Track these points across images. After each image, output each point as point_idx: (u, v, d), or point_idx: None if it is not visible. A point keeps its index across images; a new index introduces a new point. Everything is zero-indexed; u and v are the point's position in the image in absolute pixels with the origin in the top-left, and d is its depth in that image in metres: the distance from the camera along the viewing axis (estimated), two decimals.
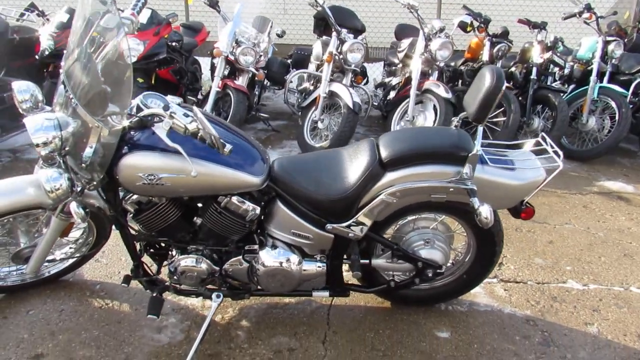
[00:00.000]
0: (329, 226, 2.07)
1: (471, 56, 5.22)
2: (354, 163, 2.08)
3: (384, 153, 2.04)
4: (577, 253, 3.05)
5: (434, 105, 4.62)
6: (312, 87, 5.14)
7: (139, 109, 1.87)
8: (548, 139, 2.13)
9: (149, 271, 2.26)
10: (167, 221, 2.04)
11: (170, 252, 2.21)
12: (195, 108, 1.66)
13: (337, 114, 4.67)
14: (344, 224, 2.06)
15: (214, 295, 2.18)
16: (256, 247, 2.16)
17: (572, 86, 5.14)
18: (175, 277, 2.18)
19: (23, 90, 1.99)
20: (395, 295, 2.43)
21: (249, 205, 2.03)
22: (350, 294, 2.34)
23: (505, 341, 2.27)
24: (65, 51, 1.96)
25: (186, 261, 2.13)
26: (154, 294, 2.17)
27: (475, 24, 4.80)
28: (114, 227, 2.20)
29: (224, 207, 2.02)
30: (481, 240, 2.26)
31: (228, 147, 1.73)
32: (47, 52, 4.56)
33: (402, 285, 2.30)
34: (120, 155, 1.83)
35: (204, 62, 6.18)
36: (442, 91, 4.50)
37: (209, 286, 2.25)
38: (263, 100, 6.05)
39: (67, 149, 1.88)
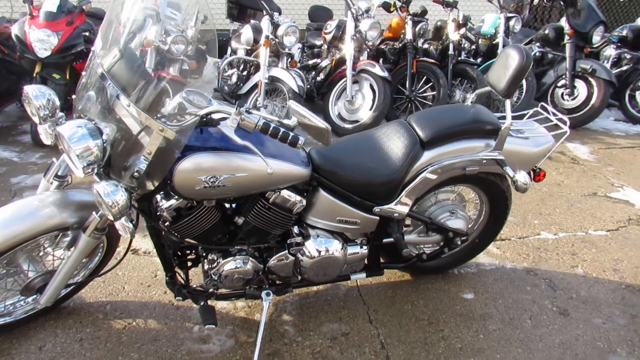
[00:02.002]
0: (376, 209, 2.11)
1: (392, 35, 5.47)
2: (394, 145, 2.14)
3: (422, 133, 2.13)
4: (536, 208, 3.45)
5: (370, 85, 4.79)
6: (244, 73, 5.00)
7: (181, 108, 1.73)
8: (549, 108, 2.39)
9: (181, 280, 2.12)
10: (209, 224, 1.93)
11: (204, 257, 2.10)
12: (291, 101, 1.59)
13: (279, 99, 4.63)
14: (390, 205, 2.12)
15: (263, 294, 2.11)
16: (299, 239, 2.13)
17: (479, 60, 5.64)
18: (217, 282, 2.07)
19: (38, 95, 1.74)
20: (416, 267, 2.56)
21: (296, 198, 1.99)
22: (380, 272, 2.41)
23: (520, 292, 2.52)
24: (93, 49, 1.73)
25: (231, 264, 2.03)
26: (201, 303, 2.05)
27: (398, 4, 5.02)
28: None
29: (273, 202, 1.96)
30: (495, 205, 2.46)
31: (302, 140, 1.69)
32: None
33: (433, 256, 2.44)
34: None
35: None
36: (378, 70, 4.67)
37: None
38: None
39: (106, 157, 1.70)
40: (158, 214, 1.88)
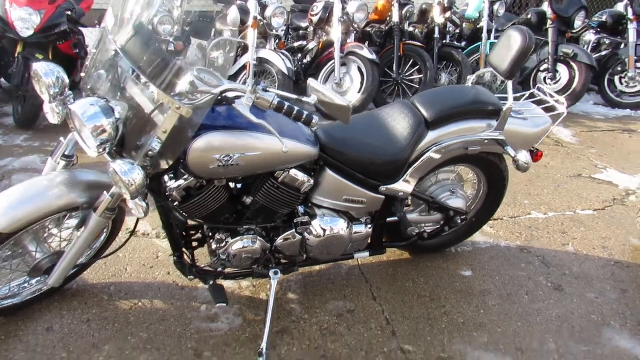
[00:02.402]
0: (382, 188, 2.14)
1: (378, 18, 5.47)
2: (399, 125, 2.16)
3: (427, 114, 2.16)
4: (525, 189, 3.54)
5: (358, 67, 4.81)
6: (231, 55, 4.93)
7: (193, 86, 1.72)
8: (546, 90, 2.44)
9: (188, 260, 2.12)
10: (217, 204, 1.93)
11: (211, 238, 2.11)
12: (310, 79, 1.60)
13: (268, 81, 4.60)
14: (396, 184, 2.16)
15: (271, 273, 2.13)
16: (306, 219, 2.14)
17: (463, 43, 5.70)
18: (225, 262, 2.08)
19: (48, 72, 1.70)
20: (416, 246, 2.61)
21: (304, 177, 2.00)
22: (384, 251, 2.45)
23: (516, 269, 2.61)
24: (104, 26, 1.69)
25: (239, 243, 2.04)
26: (211, 283, 2.06)
27: None
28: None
29: (282, 181, 1.97)
30: (492, 184, 2.53)
31: (316, 119, 1.70)
32: None
33: (434, 235, 2.49)
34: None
35: (88, 33, 5.51)
36: (366, 53, 4.68)
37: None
38: None
39: (119, 136, 1.68)
40: (167, 193, 1.87)
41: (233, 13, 4.94)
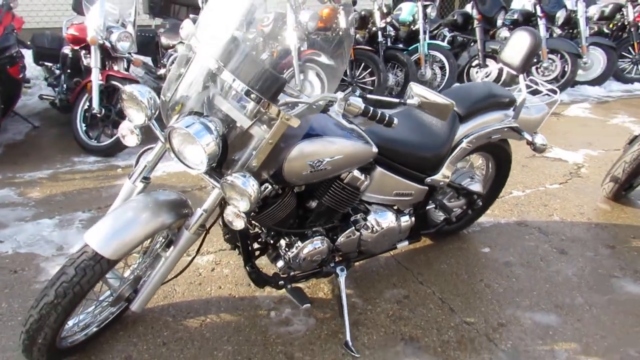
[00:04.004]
0: (427, 179, 2.34)
1: (323, 25, 5.67)
2: (437, 120, 2.37)
3: (459, 109, 2.40)
4: None
5: (317, 73, 4.97)
6: None
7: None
8: (538, 81, 2.80)
9: (258, 269, 2.16)
10: (289, 210, 2.01)
11: (272, 245, 2.19)
12: (412, 83, 1.74)
13: None
14: (438, 175, 2.37)
15: (338, 270, 2.25)
16: (362, 215, 2.28)
17: (400, 45, 6.10)
18: (295, 265, 2.15)
19: (143, 93, 1.69)
20: (442, 231, 2.83)
21: (363, 176, 2.15)
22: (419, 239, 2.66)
23: (524, 240, 2.94)
24: (190, 43, 1.71)
25: (310, 246, 2.12)
26: (288, 287, 2.13)
27: None
28: None
29: (347, 182, 2.10)
30: (500, 167, 2.84)
31: (396, 120, 1.85)
32: None
33: (460, 218, 2.74)
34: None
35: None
36: (324, 59, 4.85)
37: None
38: None
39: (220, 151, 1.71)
40: None
41: (188, 27, 4.87)
